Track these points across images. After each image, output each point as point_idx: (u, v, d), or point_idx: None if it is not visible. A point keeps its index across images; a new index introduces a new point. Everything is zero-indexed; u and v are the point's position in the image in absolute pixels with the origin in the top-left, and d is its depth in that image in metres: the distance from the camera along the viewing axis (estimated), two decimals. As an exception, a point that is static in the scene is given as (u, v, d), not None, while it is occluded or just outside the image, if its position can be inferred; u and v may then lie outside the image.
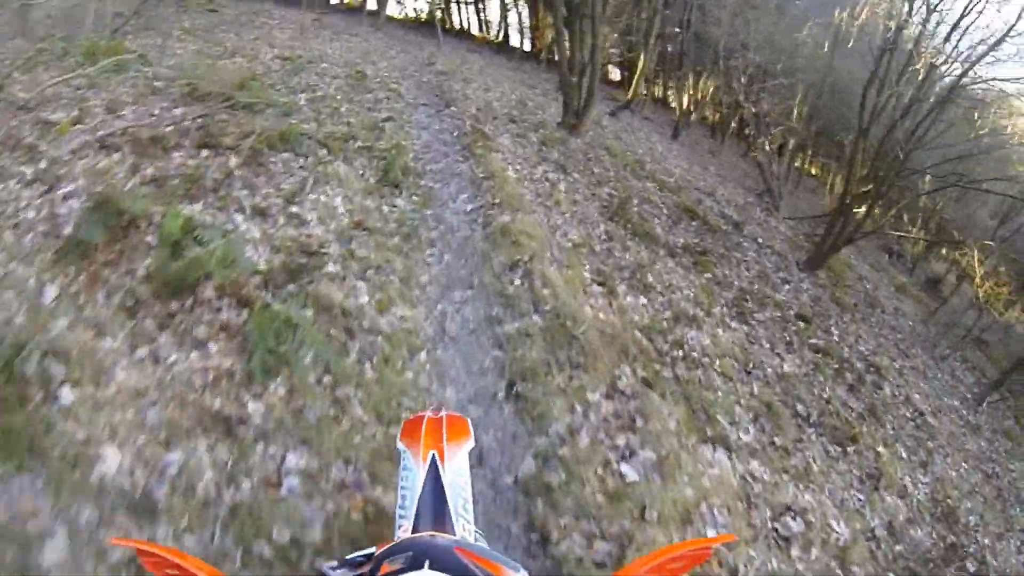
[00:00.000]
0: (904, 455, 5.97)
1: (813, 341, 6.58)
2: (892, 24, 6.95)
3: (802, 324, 6.75)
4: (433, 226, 4.78)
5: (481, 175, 5.77)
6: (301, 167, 5.14)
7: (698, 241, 7.11)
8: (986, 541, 6.09)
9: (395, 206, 4.97)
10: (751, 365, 5.11)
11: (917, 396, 7.41)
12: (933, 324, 11.07)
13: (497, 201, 5.02)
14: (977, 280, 8.98)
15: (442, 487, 1.26)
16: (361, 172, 5.50)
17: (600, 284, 4.42)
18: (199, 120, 5.48)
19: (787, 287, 7.64)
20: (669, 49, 15.95)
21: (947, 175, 7.31)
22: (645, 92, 16.53)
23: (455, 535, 1.17)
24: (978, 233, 12.59)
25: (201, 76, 6.59)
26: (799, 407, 5.06)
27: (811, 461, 4.67)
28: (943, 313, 11.66)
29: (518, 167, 6.48)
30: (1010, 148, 10.46)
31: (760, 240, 8.43)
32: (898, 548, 4.88)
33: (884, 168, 7.17)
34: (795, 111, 14.80)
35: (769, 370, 5.21)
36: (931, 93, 7.06)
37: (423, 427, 1.40)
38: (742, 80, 14.15)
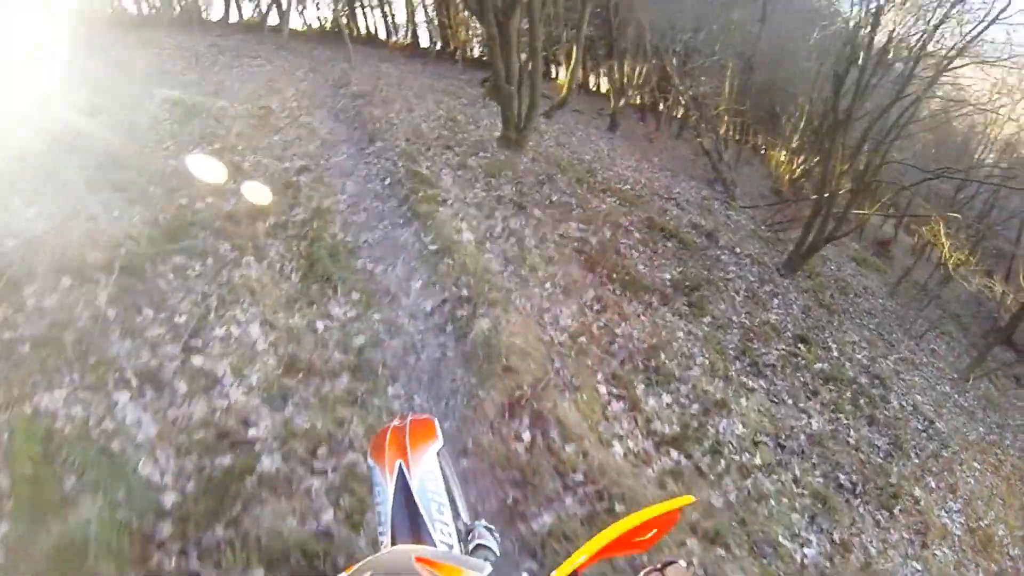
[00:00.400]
0: (933, 484, 5.58)
1: (819, 367, 6.04)
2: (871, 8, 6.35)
3: (804, 348, 6.19)
4: (387, 341, 3.70)
5: (432, 247, 4.72)
6: (199, 276, 3.92)
7: (682, 271, 6.39)
8: (1016, 551, 5.88)
9: (331, 317, 3.86)
10: (783, 436, 4.44)
11: (919, 398, 7.10)
12: (899, 297, 11.02)
13: (464, 293, 4.00)
14: (945, 252, 8.74)
15: (412, 496, 1.18)
16: (279, 267, 4.33)
17: (619, 397, 3.54)
18: (56, 226, 4.17)
19: (776, 301, 7.09)
20: (591, 32, 15.07)
21: (936, 169, 6.89)
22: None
23: (433, 542, 1.11)
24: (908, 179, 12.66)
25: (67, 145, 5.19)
26: (841, 477, 4.44)
27: (868, 545, 4.08)
28: (904, 281, 11.69)
29: (473, 222, 5.46)
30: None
31: (737, 250, 7.82)
32: (964, 617, 4.44)
33: (865, 162, 6.64)
34: (727, 85, 14.37)
35: (802, 437, 4.56)
36: (912, 80, 6.55)
37: (387, 439, 1.31)
38: (673, 62, 13.53)
